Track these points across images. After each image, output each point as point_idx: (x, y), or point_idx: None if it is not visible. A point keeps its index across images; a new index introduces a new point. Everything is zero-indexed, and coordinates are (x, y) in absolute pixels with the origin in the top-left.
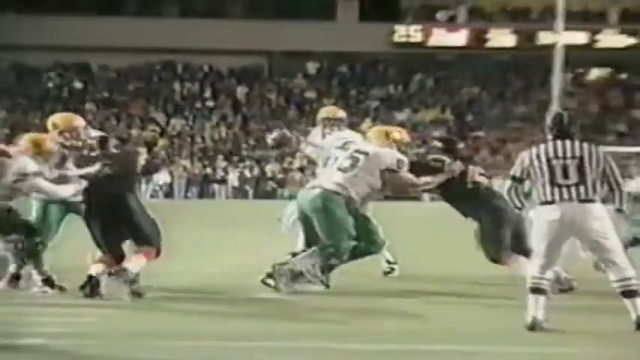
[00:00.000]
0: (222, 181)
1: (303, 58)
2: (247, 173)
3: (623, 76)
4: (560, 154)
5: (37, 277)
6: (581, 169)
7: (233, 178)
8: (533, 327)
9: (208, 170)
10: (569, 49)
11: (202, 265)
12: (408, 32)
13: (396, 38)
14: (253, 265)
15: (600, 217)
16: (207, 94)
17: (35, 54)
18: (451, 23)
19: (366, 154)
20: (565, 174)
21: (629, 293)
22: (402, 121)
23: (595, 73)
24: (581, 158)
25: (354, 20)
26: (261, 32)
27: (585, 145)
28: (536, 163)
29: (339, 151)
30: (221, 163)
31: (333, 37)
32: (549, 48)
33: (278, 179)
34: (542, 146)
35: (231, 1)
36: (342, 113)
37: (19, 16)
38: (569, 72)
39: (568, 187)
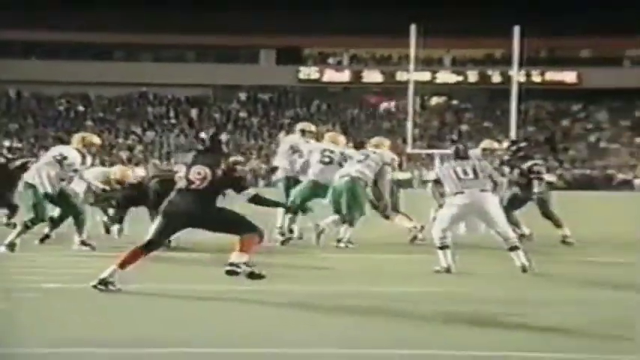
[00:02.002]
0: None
1: (237, 90)
2: None
3: (454, 102)
4: (460, 164)
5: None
6: (475, 171)
7: None
8: (448, 271)
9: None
10: (418, 83)
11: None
12: (309, 72)
13: (301, 76)
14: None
15: (493, 202)
16: (171, 114)
17: (50, 87)
18: (338, 66)
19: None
20: (465, 174)
21: (513, 248)
22: None
23: (435, 100)
24: (474, 165)
25: (272, 63)
26: (208, 71)
27: (476, 160)
28: (445, 171)
29: (327, 153)
30: None
31: (257, 75)
32: (405, 83)
33: None
34: (448, 161)
35: (188, 49)
36: (313, 127)
37: (39, 61)
38: (418, 99)
39: (470, 180)
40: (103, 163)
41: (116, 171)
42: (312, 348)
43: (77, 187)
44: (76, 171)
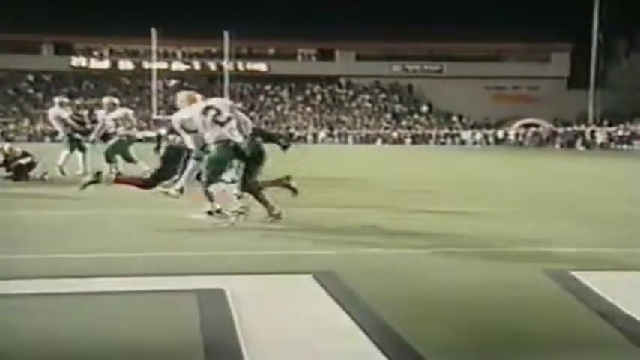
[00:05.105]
0: (9, 140)
1: (26, 73)
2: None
3: (185, 83)
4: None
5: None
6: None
7: (20, 138)
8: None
9: (5, 129)
10: (159, 70)
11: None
12: (79, 61)
13: (73, 64)
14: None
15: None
16: None
17: None
18: (101, 56)
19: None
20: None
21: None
22: (83, 104)
23: (171, 82)
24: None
25: (52, 54)
26: (4, 60)
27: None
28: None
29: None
30: (9, 127)
31: (41, 62)
32: (149, 70)
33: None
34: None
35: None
36: (67, 100)
37: None
38: (159, 81)
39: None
40: None
41: (9, 147)
42: (117, 253)
43: None
44: None
